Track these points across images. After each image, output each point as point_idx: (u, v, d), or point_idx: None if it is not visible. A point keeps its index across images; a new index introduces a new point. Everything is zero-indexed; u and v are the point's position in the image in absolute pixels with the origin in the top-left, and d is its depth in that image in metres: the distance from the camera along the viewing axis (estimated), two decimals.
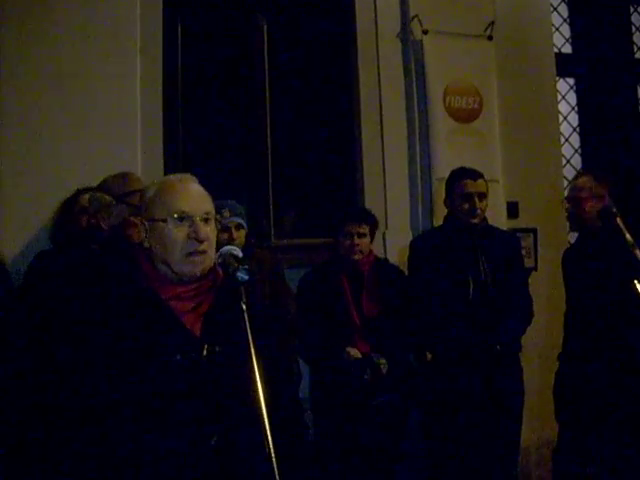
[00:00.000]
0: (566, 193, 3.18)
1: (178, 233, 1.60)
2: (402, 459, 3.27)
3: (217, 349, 1.57)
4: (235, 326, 1.44)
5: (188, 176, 1.75)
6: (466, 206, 3.11)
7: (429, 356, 3.25)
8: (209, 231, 1.64)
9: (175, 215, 1.61)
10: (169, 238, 1.60)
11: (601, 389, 2.92)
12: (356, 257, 3.21)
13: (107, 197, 2.56)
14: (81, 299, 1.76)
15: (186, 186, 1.68)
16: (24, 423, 2.30)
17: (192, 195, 1.66)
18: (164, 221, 1.61)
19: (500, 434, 3.08)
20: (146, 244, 1.66)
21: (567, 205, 3.13)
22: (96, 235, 2.54)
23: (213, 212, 1.69)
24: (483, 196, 3.15)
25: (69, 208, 2.89)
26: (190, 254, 1.59)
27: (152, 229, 1.64)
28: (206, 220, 1.64)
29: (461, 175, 3.19)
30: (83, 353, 1.60)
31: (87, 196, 2.68)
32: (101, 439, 1.51)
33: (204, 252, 1.60)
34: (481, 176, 3.18)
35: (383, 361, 3.09)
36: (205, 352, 1.57)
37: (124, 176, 2.66)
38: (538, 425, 3.38)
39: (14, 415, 2.31)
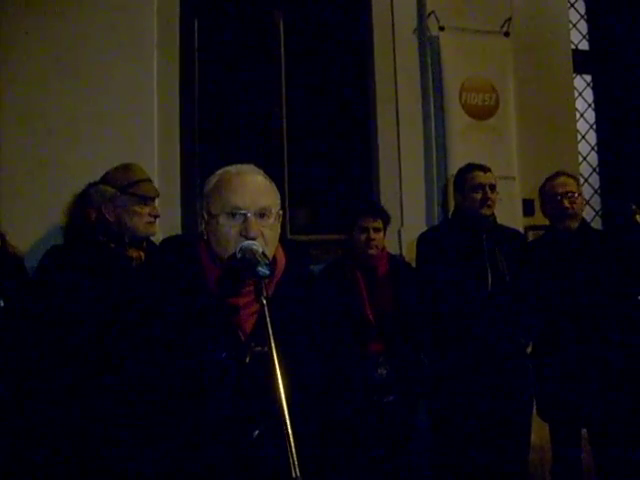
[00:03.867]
0: (550, 190, 3.21)
1: (230, 229, 1.56)
2: (410, 458, 3.26)
3: (265, 349, 1.50)
4: (291, 325, 1.40)
5: (248, 167, 1.67)
6: (478, 196, 3.11)
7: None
8: (265, 227, 1.58)
9: (227, 211, 1.56)
10: (221, 234, 1.56)
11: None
12: (372, 252, 3.20)
13: (110, 189, 2.58)
14: (133, 286, 1.75)
15: (243, 179, 1.61)
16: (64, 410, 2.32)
17: (248, 189, 1.59)
18: (217, 217, 1.57)
19: (510, 432, 3.07)
20: (205, 237, 1.63)
21: (561, 201, 3.12)
22: (104, 227, 2.55)
23: (274, 206, 1.63)
24: (494, 188, 3.16)
25: (80, 202, 2.89)
26: None
27: (209, 222, 1.61)
28: (262, 215, 1.58)
29: (471, 168, 3.22)
30: (132, 342, 1.60)
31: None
32: (139, 428, 1.52)
33: None
34: (490, 170, 3.21)
35: (383, 370, 3.09)
36: (250, 352, 1.54)
37: (126, 167, 2.67)
38: None
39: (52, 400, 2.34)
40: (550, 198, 3.19)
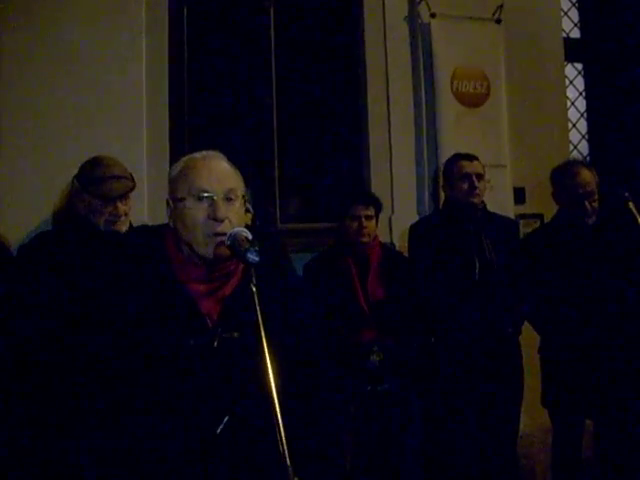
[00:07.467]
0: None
1: (197, 213, 1.54)
2: (404, 446, 3.27)
3: (234, 335, 1.53)
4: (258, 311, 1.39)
5: (213, 153, 1.65)
6: (465, 186, 3.11)
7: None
8: (232, 211, 1.56)
9: (194, 194, 1.55)
10: (189, 218, 1.54)
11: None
12: (364, 240, 3.19)
13: (77, 184, 2.57)
14: (97, 276, 1.73)
15: (209, 163, 1.60)
16: (32, 400, 2.32)
17: (214, 173, 1.58)
18: (184, 200, 1.56)
19: (499, 419, 3.09)
20: (171, 224, 1.62)
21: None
22: (78, 218, 2.55)
23: (239, 190, 1.61)
24: (481, 177, 3.15)
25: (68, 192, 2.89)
26: (210, 235, 1.53)
27: (175, 208, 1.59)
28: (229, 199, 1.57)
29: (457, 158, 3.22)
30: (96, 331, 1.58)
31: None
32: (108, 417, 1.51)
33: (224, 233, 1.52)
34: (476, 158, 3.19)
35: (376, 357, 3.09)
36: (218, 338, 1.54)
37: (95, 162, 2.60)
38: (541, 411, 3.38)
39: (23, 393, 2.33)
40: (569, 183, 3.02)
